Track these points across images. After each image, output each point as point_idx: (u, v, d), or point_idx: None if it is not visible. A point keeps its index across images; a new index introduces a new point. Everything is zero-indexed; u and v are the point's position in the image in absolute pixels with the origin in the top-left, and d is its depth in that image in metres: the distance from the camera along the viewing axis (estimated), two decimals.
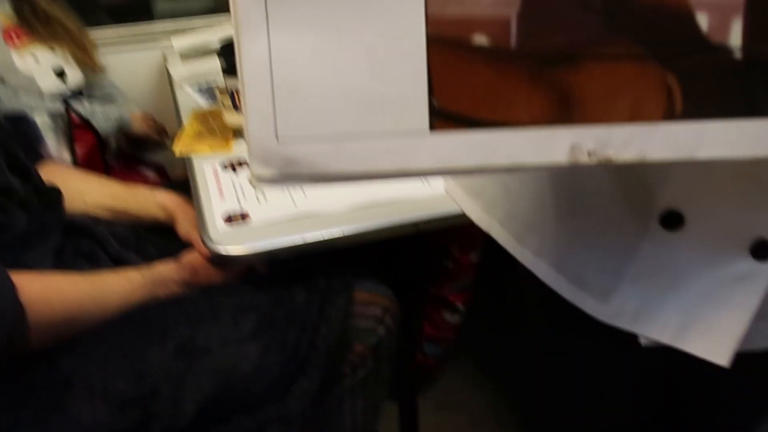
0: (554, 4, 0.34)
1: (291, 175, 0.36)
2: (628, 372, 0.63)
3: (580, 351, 0.64)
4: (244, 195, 1.07)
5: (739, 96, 0.35)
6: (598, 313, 0.56)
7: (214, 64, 1.40)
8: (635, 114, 0.35)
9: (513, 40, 0.34)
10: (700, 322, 0.51)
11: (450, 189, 0.69)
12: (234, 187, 1.11)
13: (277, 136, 0.35)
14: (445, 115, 0.35)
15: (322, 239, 0.94)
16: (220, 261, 1.00)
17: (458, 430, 1.53)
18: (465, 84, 0.35)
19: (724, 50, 0.35)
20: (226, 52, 1.30)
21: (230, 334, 0.96)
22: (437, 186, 0.96)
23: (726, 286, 0.50)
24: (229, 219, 1.01)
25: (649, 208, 0.51)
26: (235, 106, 1.28)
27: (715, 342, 0.51)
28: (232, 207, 1.04)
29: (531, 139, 0.35)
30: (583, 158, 0.36)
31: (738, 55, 0.35)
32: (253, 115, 0.35)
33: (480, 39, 0.34)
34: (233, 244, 0.96)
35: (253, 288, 1.05)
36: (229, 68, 1.27)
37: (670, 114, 0.35)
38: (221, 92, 1.31)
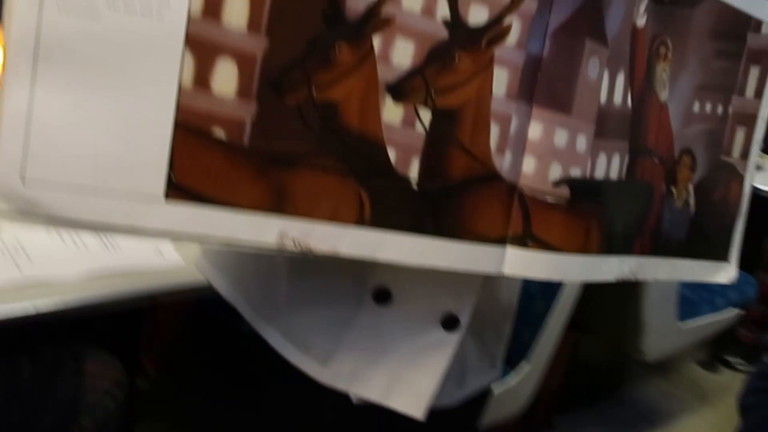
0: (282, 118, 0.43)
1: (29, 214, 0.40)
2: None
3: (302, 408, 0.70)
4: None
5: (412, 216, 0.46)
6: (320, 376, 0.63)
7: None
8: (333, 215, 0.44)
9: (246, 139, 0.42)
10: (401, 383, 0.61)
11: (199, 264, 0.75)
12: None
13: (23, 178, 0.39)
14: (179, 188, 0.41)
15: (56, 309, 0.91)
16: None
17: None
18: (201, 166, 0.41)
19: (406, 179, 0.46)
20: None
21: None
22: (172, 258, 0.98)
23: (422, 352, 0.61)
24: None
25: (364, 284, 0.61)
26: None
27: (412, 399, 0.61)
28: None
29: (248, 221, 0.43)
30: (289, 244, 0.44)
31: (414, 185, 0.46)
32: (4, 154, 0.39)
33: (219, 132, 0.41)
34: None
35: None
36: None
37: (360, 220, 0.45)
38: None
